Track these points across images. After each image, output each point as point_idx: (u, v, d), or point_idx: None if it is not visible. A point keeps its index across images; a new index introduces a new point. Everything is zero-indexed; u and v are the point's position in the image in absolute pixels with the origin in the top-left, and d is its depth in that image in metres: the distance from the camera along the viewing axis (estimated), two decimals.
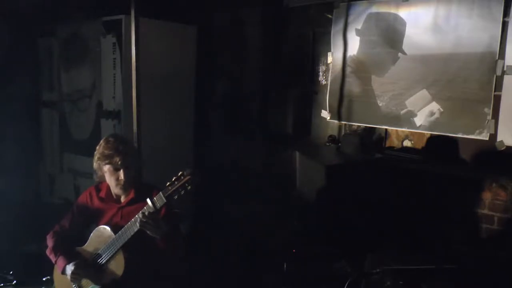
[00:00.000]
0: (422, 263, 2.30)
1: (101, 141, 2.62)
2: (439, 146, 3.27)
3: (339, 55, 3.73)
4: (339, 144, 3.70)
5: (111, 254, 2.48)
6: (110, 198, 2.65)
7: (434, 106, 3.22)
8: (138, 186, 2.61)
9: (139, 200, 2.50)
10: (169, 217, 2.52)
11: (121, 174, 2.54)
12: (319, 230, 3.24)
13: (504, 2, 2.89)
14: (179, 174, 2.31)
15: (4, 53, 4.47)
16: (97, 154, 2.59)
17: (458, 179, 3.04)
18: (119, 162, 2.52)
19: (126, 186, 2.58)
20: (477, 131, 3.04)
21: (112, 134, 2.75)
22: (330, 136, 3.81)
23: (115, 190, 2.62)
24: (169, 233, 2.40)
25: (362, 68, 3.60)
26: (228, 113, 4.56)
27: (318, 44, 3.91)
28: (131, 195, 2.59)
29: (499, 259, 2.83)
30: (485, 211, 2.97)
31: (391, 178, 3.15)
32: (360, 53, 3.61)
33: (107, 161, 2.54)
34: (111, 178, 2.57)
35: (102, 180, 2.66)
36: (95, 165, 2.61)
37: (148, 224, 2.34)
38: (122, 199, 2.63)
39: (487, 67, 2.98)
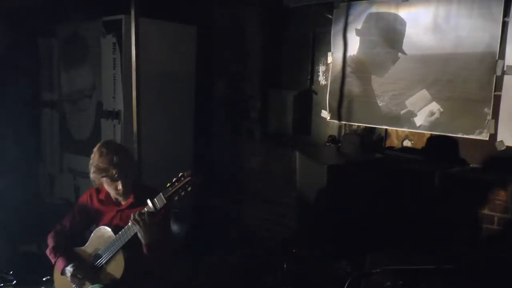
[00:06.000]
0: (422, 263, 2.30)
1: (95, 151, 2.55)
2: (439, 146, 3.27)
3: (339, 55, 3.73)
4: (339, 144, 3.70)
5: (111, 254, 2.48)
6: (109, 200, 2.65)
7: (434, 106, 3.22)
8: (137, 189, 2.60)
9: (139, 203, 2.49)
10: (163, 226, 2.51)
11: (119, 184, 2.51)
12: (319, 230, 3.24)
13: (504, 2, 2.89)
14: (180, 175, 2.31)
15: (4, 53, 4.47)
16: (92, 167, 2.54)
17: (458, 179, 3.04)
18: (116, 175, 2.48)
19: (125, 193, 2.57)
20: (477, 131, 3.04)
21: (105, 142, 2.63)
22: (330, 136, 3.80)
23: (114, 196, 2.62)
24: (153, 244, 2.38)
25: (362, 68, 3.60)
26: (228, 113, 4.56)
27: (318, 44, 3.91)
28: (131, 199, 2.59)
29: (499, 259, 2.83)
30: (485, 211, 2.97)
31: (391, 178, 3.15)
32: (360, 53, 3.61)
33: (103, 174, 2.50)
34: (110, 188, 2.56)
35: (101, 185, 2.65)
36: (91, 176, 2.57)
37: (140, 223, 2.33)
38: (122, 202, 2.63)
39: (487, 67, 2.97)
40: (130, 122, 3.55)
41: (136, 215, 2.35)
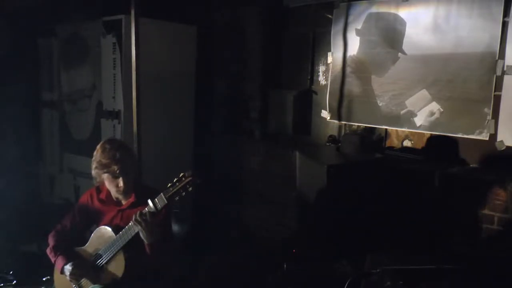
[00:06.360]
0: (422, 263, 2.30)
1: (98, 147, 2.58)
2: (439, 146, 3.27)
3: (339, 55, 3.73)
4: (339, 144, 3.70)
5: (112, 254, 2.48)
6: (110, 200, 2.65)
7: (434, 106, 3.23)
8: (138, 189, 2.61)
9: (139, 203, 2.50)
10: (164, 226, 2.52)
11: (120, 181, 2.52)
12: (319, 230, 3.24)
13: (504, 2, 2.89)
14: (181, 175, 2.31)
15: (4, 53, 4.47)
16: (94, 163, 2.56)
17: (458, 179, 3.04)
18: (117, 171, 2.50)
19: (126, 191, 2.58)
20: (477, 131, 3.04)
21: (108, 139, 2.68)
22: (330, 136, 3.81)
23: (115, 195, 2.62)
24: (155, 244, 2.40)
25: (362, 68, 3.60)
26: (228, 113, 4.56)
27: (318, 44, 3.91)
28: (132, 198, 2.59)
29: (499, 259, 2.83)
30: (485, 211, 2.97)
31: (391, 178, 3.15)
32: (360, 53, 3.61)
33: (105, 170, 2.52)
34: (111, 185, 2.56)
35: (102, 184, 2.66)
36: (93, 172, 2.59)
37: (142, 223, 2.33)
38: (123, 202, 2.63)
39: (487, 67, 2.98)
40: (130, 122, 3.55)
41: (137, 215, 2.35)
